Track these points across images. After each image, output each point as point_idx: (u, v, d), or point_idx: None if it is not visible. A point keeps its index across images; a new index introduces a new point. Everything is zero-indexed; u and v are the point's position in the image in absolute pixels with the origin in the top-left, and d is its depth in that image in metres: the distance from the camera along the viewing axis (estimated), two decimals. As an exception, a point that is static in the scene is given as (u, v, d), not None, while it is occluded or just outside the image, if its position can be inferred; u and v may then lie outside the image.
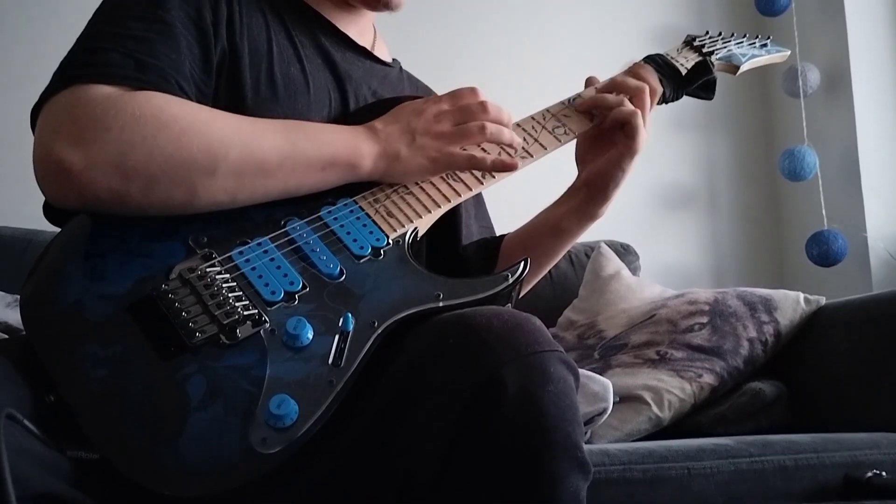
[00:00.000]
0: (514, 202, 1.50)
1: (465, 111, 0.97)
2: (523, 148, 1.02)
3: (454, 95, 0.98)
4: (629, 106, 1.04)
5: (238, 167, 0.85)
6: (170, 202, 0.84)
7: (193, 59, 0.92)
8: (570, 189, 1.14)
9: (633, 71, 1.10)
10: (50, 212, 0.90)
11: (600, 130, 1.08)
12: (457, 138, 0.95)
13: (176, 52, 0.90)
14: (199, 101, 0.91)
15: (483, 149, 0.99)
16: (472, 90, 0.98)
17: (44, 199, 0.88)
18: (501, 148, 1.00)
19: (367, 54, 1.12)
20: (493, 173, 1.00)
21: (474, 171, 0.99)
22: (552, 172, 1.28)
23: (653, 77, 1.09)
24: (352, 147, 0.92)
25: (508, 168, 0.98)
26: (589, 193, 1.10)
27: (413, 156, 0.94)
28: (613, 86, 1.08)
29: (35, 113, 0.87)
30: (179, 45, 0.91)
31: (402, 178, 0.95)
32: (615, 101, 1.05)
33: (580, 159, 1.12)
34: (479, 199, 1.26)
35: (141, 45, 0.89)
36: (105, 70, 0.86)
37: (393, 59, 1.20)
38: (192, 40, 0.93)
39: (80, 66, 0.87)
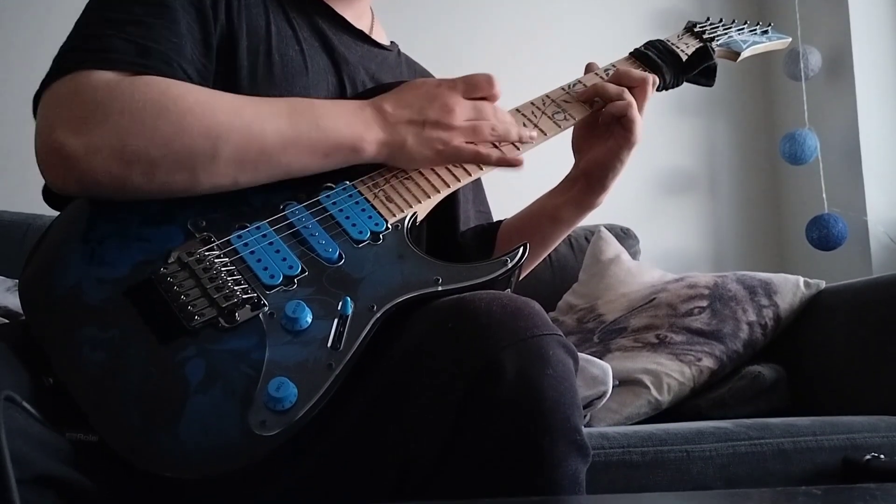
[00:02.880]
0: (513, 187, 1.50)
1: (479, 109, 0.96)
2: (523, 133, 1.02)
3: (469, 84, 0.96)
4: (627, 98, 1.03)
5: (240, 152, 0.85)
6: (172, 186, 0.84)
7: (194, 42, 0.92)
8: (567, 178, 1.14)
9: (629, 64, 1.09)
10: (49, 196, 0.90)
11: (597, 119, 1.08)
12: (466, 134, 0.94)
13: (177, 36, 0.90)
14: (200, 84, 0.90)
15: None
16: (488, 79, 0.96)
17: (43, 183, 0.88)
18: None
19: (364, 37, 1.12)
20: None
21: None
22: (552, 158, 1.27)
23: (632, 72, 1.07)
24: (357, 133, 0.90)
25: (513, 164, 0.98)
26: (588, 184, 1.10)
27: (419, 146, 0.93)
28: (617, 76, 1.06)
29: (36, 100, 0.86)
30: (180, 27, 0.90)
31: (404, 166, 0.95)
32: (615, 92, 1.04)
33: (577, 148, 1.12)
34: (477, 183, 1.26)
35: (142, 29, 0.88)
36: (106, 56, 0.85)
37: (391, 42, 1.20)
38: (192, 22, 0.92)
39: (80, 52, 0.86)
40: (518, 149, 1.00)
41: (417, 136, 0.92)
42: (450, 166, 0.98)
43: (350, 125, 0.90)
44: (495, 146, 0.98)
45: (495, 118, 0.97)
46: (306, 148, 0.88)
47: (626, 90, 1.04)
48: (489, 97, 0.97)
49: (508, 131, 0.98)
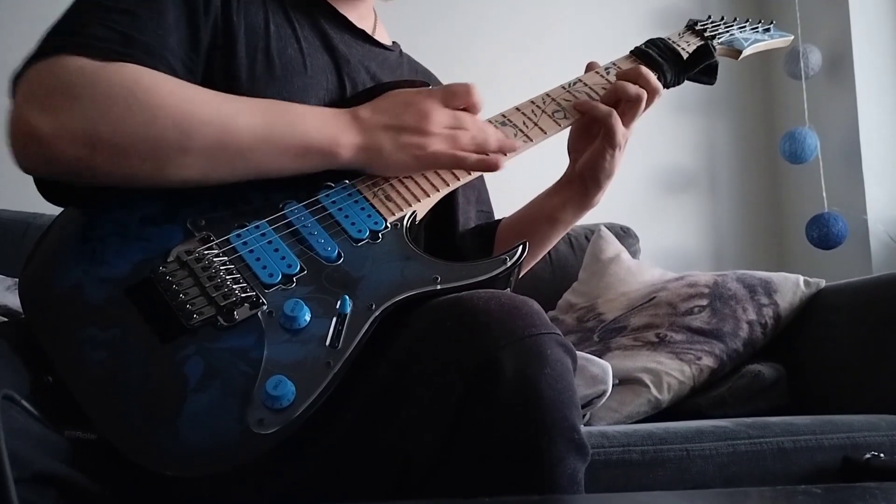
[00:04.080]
0: (512, 185, 1.50)
1: (458, 118, 0.94)
2: (523, 132, 1.02)
3: (448, 92, 0.95)
4: (605, 108, 1.03)
5: (210, 147, 0.84)
6: (139, 174, 0.84)
7: (181, 36, 0.92)
8: (563, 178, 1.14)
9: (631, 73, 1.06)
10: (46, 191, 0.90)
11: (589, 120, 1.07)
12: (443, 141, 0.93)
13: (163, 28, 0.90)
14: (185, 78, 0.90)
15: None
16: (467, 88, 0.95)
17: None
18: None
19: (366, 37, 1.12)
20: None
21: None
22: (553, 157, 1.27)
23: (649, 75, 1.05)
24: (331, 136, 0.89)
25: (490, 167, 0.95)
26: (583, 184, 1.10)
27: (396, 151, 0.91)
28: (614, 92, 1.04)
29: (16, 80, 0.86)
30: (167, 19, 0.90)
31: (382, 172, 0.94)
32: (605, 112, 1.03)
33: (572, 148, 1.12)
34: (480, 182, 1.25)
35: (128, 18, 0.88)
36: (87, 42, 0.85)
37: (393, 42, 1.20)
38: (180, 16, 0.92)
39: (62, 37, 0.86)
40: (504, 155, 0.99)
41: (394, 142, 0.91)
42: None
43: (325, 128, 0.90)
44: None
45: (475, 128, 0.95)
46: (279, 148, 0.87)
47: (613, 112, 1.02)
48: (469, 107, 0.96)
49: (487, 140, 0.96)
